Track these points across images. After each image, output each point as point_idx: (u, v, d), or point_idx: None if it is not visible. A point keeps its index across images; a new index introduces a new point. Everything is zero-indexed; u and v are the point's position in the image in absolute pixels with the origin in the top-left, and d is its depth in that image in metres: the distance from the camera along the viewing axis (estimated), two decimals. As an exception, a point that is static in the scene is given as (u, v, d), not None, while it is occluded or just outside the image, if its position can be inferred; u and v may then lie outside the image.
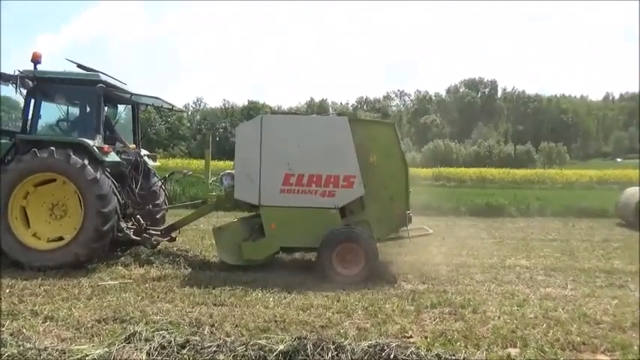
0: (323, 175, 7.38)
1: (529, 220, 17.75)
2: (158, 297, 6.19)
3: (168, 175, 9.18)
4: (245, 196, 7.55)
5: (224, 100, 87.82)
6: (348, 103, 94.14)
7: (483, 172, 37.16)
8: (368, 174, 7.44)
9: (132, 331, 4.57)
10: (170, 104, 9.03)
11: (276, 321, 5.32)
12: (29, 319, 5.21)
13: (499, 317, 5.72)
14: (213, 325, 5.10)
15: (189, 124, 79.44)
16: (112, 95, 8.12)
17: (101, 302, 5.91)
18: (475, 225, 15.48)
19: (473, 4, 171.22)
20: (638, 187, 17.20)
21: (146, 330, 4.64)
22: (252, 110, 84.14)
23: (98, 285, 6.77)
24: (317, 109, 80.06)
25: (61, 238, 7.69)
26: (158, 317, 5.30)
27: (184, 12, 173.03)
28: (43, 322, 5.14)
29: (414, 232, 7.93)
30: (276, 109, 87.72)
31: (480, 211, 18.20)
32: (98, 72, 8.02)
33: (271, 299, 6.19)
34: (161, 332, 4.58)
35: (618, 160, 76.56)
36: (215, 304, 5.94)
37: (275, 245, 7.54)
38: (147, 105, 9.25)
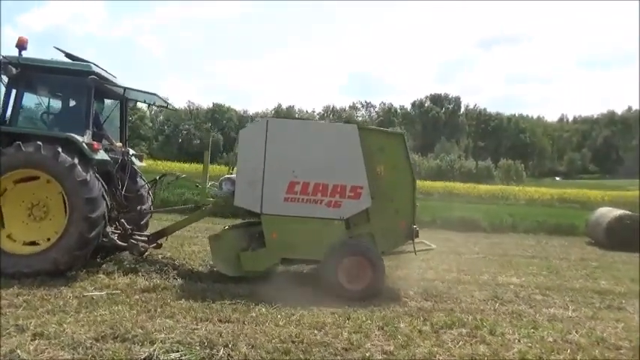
0: (329, 185, 7.04)
1: (502, 236, 17.98)
2: (155, 311, 5.66)
3: (159, 178, 8.57)
4: (246, 203, 7.11)
5: (189, 101, 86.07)
6: (314, 111, 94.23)
7: (449, 187, 37.62)
8: (374, 185, 7.15)
9: (143, 353, 4.07)
10: (165, 101, 8.46)
11: (293, 342, 4.91)
12: (15, 336, 4.61)
13: (519, 340, 5.53)
14: (227, 346, 4.65)
15: (151, 124, 77.31)
16: (103, 89, 7.50)
17: (93, 316, 5.32)
18: (451, 239, 15.48)
19: (439, 22, 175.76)
20: (609, 208, 17.76)
21: (156, 352, 4.15)
22: (217, 113, 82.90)
23: (84, 296, 6.16)
24: (284, 115, 79.56)
25: (34, 243, 7.00)
26: (162, 336, 4.78)
27: (147, 11, 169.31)
28: (32, 340, 4.54)
29: (416, 247, 7.69)
30: (242, 113, 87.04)
31: (454, 225, 18.23)
32: (90, 62, 7.40)
33: (279, 316, 5.78)
34: (175, 355, 4.10)
35: (557, 178, 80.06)
36: (220, 321, 5.47)
37: (276, 256, 7.12)
38: (136, 101, 8.62)
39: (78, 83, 7.14)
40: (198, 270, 8.13)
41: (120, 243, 7.49)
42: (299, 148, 7.07)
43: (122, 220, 7.85)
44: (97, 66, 7.44)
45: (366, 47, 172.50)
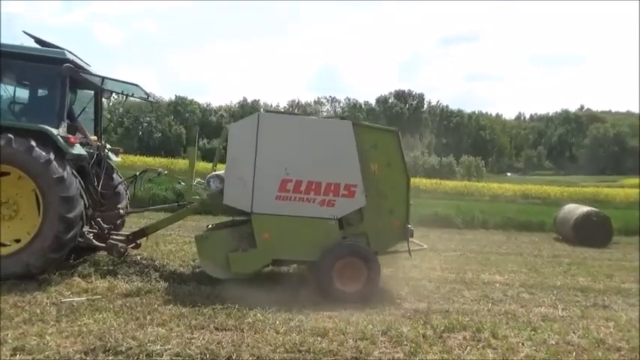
0: (323, 183, 6.78)
1: (474, 232, 18.19)
2: (144, 319, 5.26)
3: (140, 174, 8.05)
4: (235, 202, 6.75)
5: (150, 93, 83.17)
6: (279, 106, 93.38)
7: (417, 182, 37.95)
8: (368, 183, 6.94)
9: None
10: (146, 93, 7.92)
11: (300, 351, 4.64)
12: (-7, 351, 4.14)
13: (523, 344, 5.44)
14: (230, 357, 4.34)
15: (109, 116, 74.59)
16: (79, 78, 6.93)
17: (77, 326, 4.89)
18: (426, 235, 15.44)
19: (401, 20, 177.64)
20: (575, 205, 18.24)
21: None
22: (180, 106, 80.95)
23: (62, 302, 5.69)
24: (250, 109, 78.47)
25: (1, 244, 6.43)
26: (158, 347, 4.42)
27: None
28: (12, 355, 4.10)
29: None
30: (205, 106, 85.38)
31: (426, 222, 18.28)
32: (64, 49, 6.82)
33: (277, 322, 5.48)
34: (179, 369, 3.75)
35: (508, 174, 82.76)
36: (217, 329, 5.14)
37: (267, 257, 6.81)
38: (112, 92, 8.04)
39: (52, 71, 6.57)
40: (180, 271, 7.73)
41: (97, 243, 6.99)
42: (291, 145, 6.77)
43: (98, 219, 7.33)
44: (71, 53, 6.88)
45: (331, 44, 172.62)
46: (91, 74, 7.19)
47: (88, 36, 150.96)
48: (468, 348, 5.13)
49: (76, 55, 6.99)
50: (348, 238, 6.95)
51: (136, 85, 7.55)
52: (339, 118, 7.50)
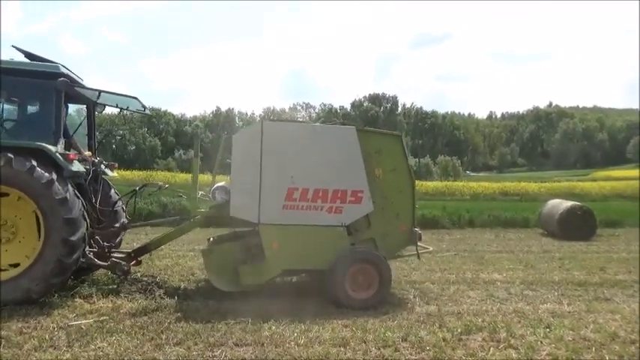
0: (329, 190, 6.72)
1: (462, 231, 18.32)
2: (159, 338, 5.09)
3: (139, 188, 7.84)
4: (242, 214, 6.63)
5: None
6: (254, 114, 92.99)
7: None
8: (374, 188, 6.91)
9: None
10: (143, 106, 7.70)
11: (327, 363, 4.55)
12: (11, 383, 3.94)
13: (541, 342, 5.45)
14: (259, 375, 4.22)
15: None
16: (73, 93, 6.71)
17: (91, 350, 4.71)
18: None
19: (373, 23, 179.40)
20: (559, 200, 18.57)
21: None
22: (154, 117, 79.76)
23: (69, 326, 5.47)
24: (223, 118, 77.90)
25: None
26: (182, 368, 4.27)
27: (65, 10, 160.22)
28: (33, 386, 3.89)
29: (414, 250, 7.52)
30: (180, 117, 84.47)
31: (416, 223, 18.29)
32: (57, 63, 6.60)
33: (295, 333, 5.38)
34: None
35: (467, 172, 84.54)
36: (237, 345, 5.01)
37: (277, 268, 6.69)
38: (105, 105, 7.78)
39: (47, 86, 6.34)
40: (182, 287, 7.57)
41: (100, 263, 6.76)
42: (296, 153, 6.70)
43: (97, 237, 7.10)
44: (64, 67, 6.66)
45: (302, 50, 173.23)
46: (86, 88, 6.97)
47: (52, 47, 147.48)
48: (491, 349, 5.12)
49: (68, 69, 6.77)
50: (356, 245, 6.90)
51: (134, 98, 7.35)
52: (341, 123, 7.43)
